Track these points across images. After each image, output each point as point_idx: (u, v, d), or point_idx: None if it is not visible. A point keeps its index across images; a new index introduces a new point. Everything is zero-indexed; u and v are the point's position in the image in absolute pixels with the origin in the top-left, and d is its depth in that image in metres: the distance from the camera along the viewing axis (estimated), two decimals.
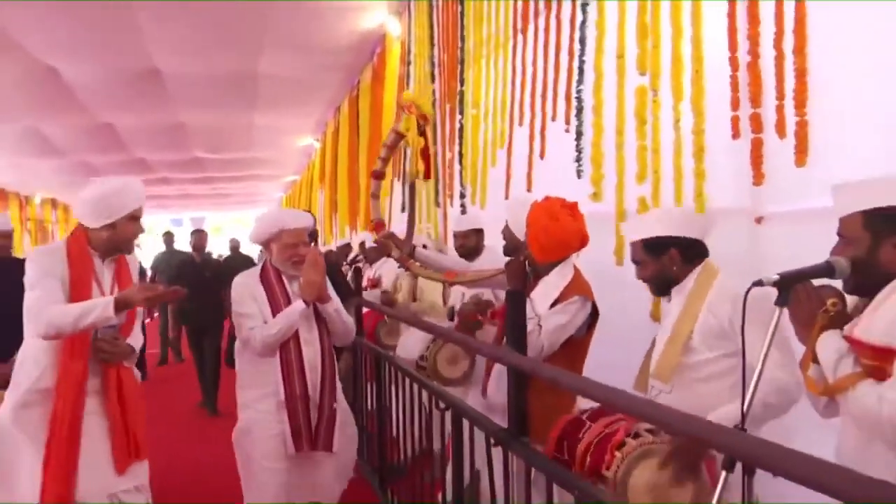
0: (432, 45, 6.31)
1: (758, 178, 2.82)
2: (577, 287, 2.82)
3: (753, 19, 2.84)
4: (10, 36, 7.27)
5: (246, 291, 3.06)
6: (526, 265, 2.88)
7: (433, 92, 6.31)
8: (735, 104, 2.93)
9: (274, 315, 3.00)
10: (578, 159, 3.77)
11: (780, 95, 2.70)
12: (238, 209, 25.26)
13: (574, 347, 2.82)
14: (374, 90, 8.36)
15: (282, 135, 12.67)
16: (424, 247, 3.98)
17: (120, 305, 2.59)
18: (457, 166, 5.54)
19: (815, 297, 1.60)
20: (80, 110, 9.95)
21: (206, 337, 6.74)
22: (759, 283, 1.54)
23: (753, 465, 1.45)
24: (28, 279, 2.66)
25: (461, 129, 5.40)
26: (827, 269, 1.58)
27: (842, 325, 1.61)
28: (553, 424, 2.04)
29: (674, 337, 2.17)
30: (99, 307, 2.56)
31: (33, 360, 2.65)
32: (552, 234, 2.81)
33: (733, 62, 2.93)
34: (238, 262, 11.68)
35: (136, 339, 2.89)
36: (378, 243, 3.71)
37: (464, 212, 5.19)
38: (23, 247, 18.26)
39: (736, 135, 2.93)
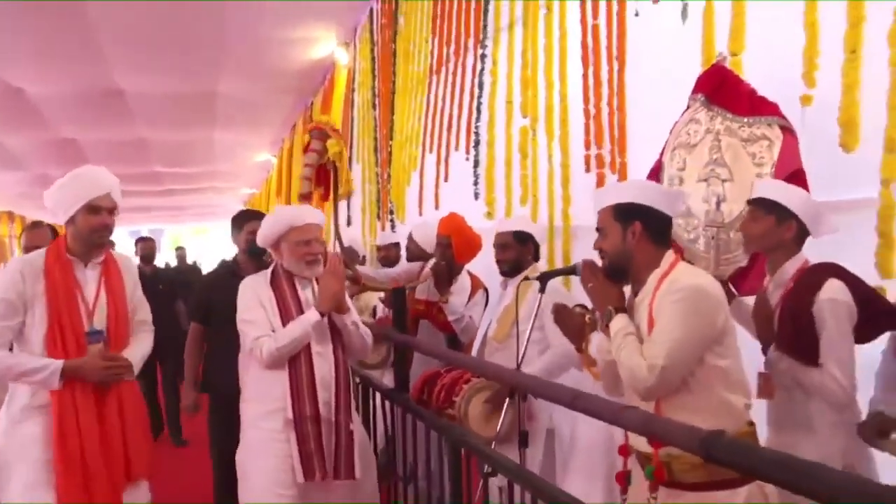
0: (374, 76, 7.20)
1: None
2: (478, 285, 3.69)
3: (597, 82, 3.76)
4: None
5: (254, 296, 2.77)
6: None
7: (374, 118, 7.19)
8: (587, 145, 3.84)
9: (284, 323, 2.72)
10: (476, 183, 4.68)
11: (612, 141, 3.62)
12: (197, 221, 25.80)
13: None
14: (323, 112, 9.20)
15: (240, 150, 13.44)
16: (364, 259, 4.78)
17: (68, 375, 2.49)
18: (389, 186, 6.42)
19: (573, 316, 2.35)
20: (43, 126, 10.61)
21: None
22: (525, 279, 2.40)
23: (524, 392, 2.33)
24: None
25: (391, 153, 6.29)
26: (572, 269, 2.44)
27: (595, 327, 2.36)
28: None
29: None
30: (43, 373, 2.48)
31: None
32: (473, 241, 3.67)
33: (586, 113, 3.85)
34: (188, 270, 12.29)
35: (134, 351, 2.76)
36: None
37: (393, 227, 6.07)
38: None
39: (588, 169, 3.84)
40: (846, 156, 2.27)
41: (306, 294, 2.84)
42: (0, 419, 2.63)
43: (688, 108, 2.75)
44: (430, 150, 5.41)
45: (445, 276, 3.49)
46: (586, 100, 3.84)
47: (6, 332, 2.54)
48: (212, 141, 12.27)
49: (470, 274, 3.63)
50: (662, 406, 1.94)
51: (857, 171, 2.24)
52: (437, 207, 5.22)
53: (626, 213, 2.10)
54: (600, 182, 3.74)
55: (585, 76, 3.83)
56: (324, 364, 2.75)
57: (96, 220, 2.63)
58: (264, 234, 2.88)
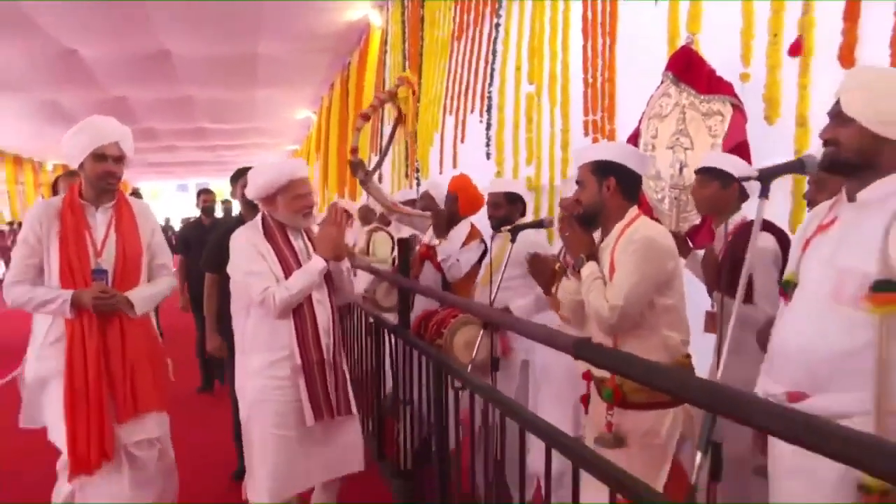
0: (404, 39, 7.61)
1: None
2: (476, 234, 4.16)
3: (595, 54, 4.14)
4: (35, 22, 8.56)
5: (252, 248, 2.81)
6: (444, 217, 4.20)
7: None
8: (586, 111, 4.24)
9: (285, 273, 2.79)
10: (488, 144, 5.12)
11: (603, 109, 4.02)
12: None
13: (471, 272, 4.13)
14: (359, 71, 9.67)
15: (281, 107, 14.02)
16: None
17: (74, 304, 2.74)
18: (416, 145, 6.90)
19: (545, 264, 2.80)
20: (96, 85, 11.32)
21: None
22: (500, 231, 2.86)
23: (497, 325, 2.82)
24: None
25: (417, 114, 6.74)
26: (539, 223, 2.88)
27: (564, 274, 2.79)
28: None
29: None
30: (56, 302, 2.75)
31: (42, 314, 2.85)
32: (476, 197, 4.13)
33: (585, 82, 4.24)
34: (234, 222, 12.94)
35: (147, 289, 2.96)
36: (350, 163, 4.97)
37: (418, 184, 6.56)
38: None
39: (586, 133, 4.25)
40: (770, 127, 2.67)
41: (298, 244, 2.91)
42: (28, 353, 2.92)
43: (661, 83, 3.14)
44: (450, 112, 5.86)
45: (444, 224, 3.98)
46: (585, 70, 4.23)
47: (29, 269, 2.80)
48: (254, 99, 12.88)
49: (473, 226, 4.10)
50: (619, 341, 2.38)
51: (779, 142, 2.63)
52: (454, 167, 5.69)
53: (603, 169, 2.40)
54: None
55: (585, 48, 4.21)
56: (323, 311, 2.85)
57: (101, 167, 2.79)
58: (261, 185, 2.85)
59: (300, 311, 2.79)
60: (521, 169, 4.83)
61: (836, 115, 1.71)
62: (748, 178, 2.01)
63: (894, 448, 1.00)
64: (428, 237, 4.16)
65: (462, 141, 5.61)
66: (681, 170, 3.10)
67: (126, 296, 2.83)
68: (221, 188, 12.45)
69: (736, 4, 2.87)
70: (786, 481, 1.73)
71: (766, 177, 1.82)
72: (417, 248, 4.36)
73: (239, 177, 3.97)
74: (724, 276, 2.61)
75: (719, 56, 2.98)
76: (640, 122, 3.39)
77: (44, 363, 2.83)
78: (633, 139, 3.44)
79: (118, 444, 2.77)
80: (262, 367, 2.79)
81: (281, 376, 2.76)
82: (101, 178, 2.81)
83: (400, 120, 5.20)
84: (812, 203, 2.18)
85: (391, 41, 8.16)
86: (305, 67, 11.07)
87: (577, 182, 2.50)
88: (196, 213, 6.94)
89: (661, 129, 3.20)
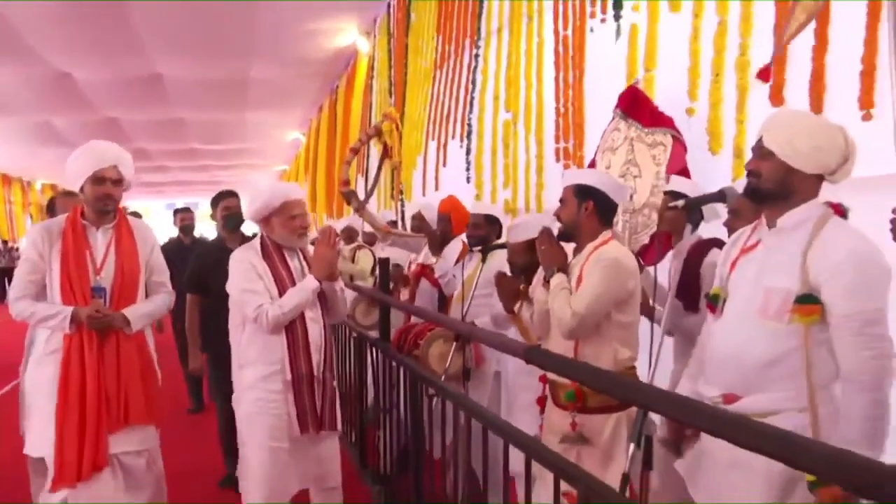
0: (390, 66, 7.93)
1: None
2: (467, 250, 4.41)
3: (566, 85, 4.43)
4: (30, 46, 8.83)
5: (250, 267, 2.94)
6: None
7: (390, 105, 7.93)
8: (557, 139, 4.53)
9: (280, 291, 2.94)
10: (468, 169, 5.41)
11: (574, 137, 4.31)
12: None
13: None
14: (346, 96, 9.99)
15: (271, 129, 14.33)
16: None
17: (74, 320, 2.89)
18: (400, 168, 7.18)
19: (510, 283, 3.08)
20: (89, 107, 11.61)
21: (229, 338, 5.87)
22: (471, 251, 3.14)
23: (469, 338, 3.07)
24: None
25: (401, 138, 7.04)
26: (504, 245, 3.15)
27: (528, 296, 3.04)
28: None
29: None
30: (57, 318, 2.90)
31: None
32: (466, 217, 4.39)
33: (557, 111, 4.53)
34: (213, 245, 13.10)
35: (144, 306, 3.10)
36: (343, 193, 5.28)
37: (402, 206, 6.84)
38: (26, 229, 20.04)
39: (558, 160, 4.54)
40: (714, 157, 2.96)
41: (294, 264, 3.05)
42: (25, 359, 3.07)
43: (612, 118, 3.45)
44: (433, 138, 6.16)
45: (438, 243, 4.26)
46: (557, 99, 4.53)
47: (31, 285, 2.96)
48: (244, 121, 13.19)
49: (464, 243, 4.38)
50: (579, 349, 2.63)
51: (721, 171, 2.92)
52: (436, 189, 5.98)
53: (584, 192, 2.65)
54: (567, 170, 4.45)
55: (556, 79, 4.51)
56: (316, 328, 2.99)
57: (100, 189, 2.92)
58: (257, 208, 2.99)
59: (293, 328, 2.93)
60: (499, 192, 5.11)
61: (759, 149, 1.99)
62: (675, 207, 2.29)
63: (805, 443, 1.24)
64: (422, 257, 4.40)
65: (444, 165, 5.91)
66: (631, 196, 3.38)
67: (123, 313, 2.97)
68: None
69: (686, 45, 3.17)
70: (725, 474, 1.98)
71: (690, 205, 2.09)
72: (412, 267, 4.61)
73: (219, 200, 4.18)
74: (679, 288, 2.88)
75: (671, 91, 3.28)
76: (595, 154, 3.69)
77: (41, 370, 2.96)
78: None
79: (109, 453, 2.91)
80: (256, 381, 2.93)
81: (274, 389, 2.91)
82: (99, 200, 2.95)
83: (386, 154, 5.48)
84: (731, 230, 2.46)
85: (378, 68, 8.48)
86: (295, 91, 11.40)
87: (560, 200, 2.77)
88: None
89: (614, 160, 3.48)
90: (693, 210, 2.12)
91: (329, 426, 3.02)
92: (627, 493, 1.89)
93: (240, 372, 3.02)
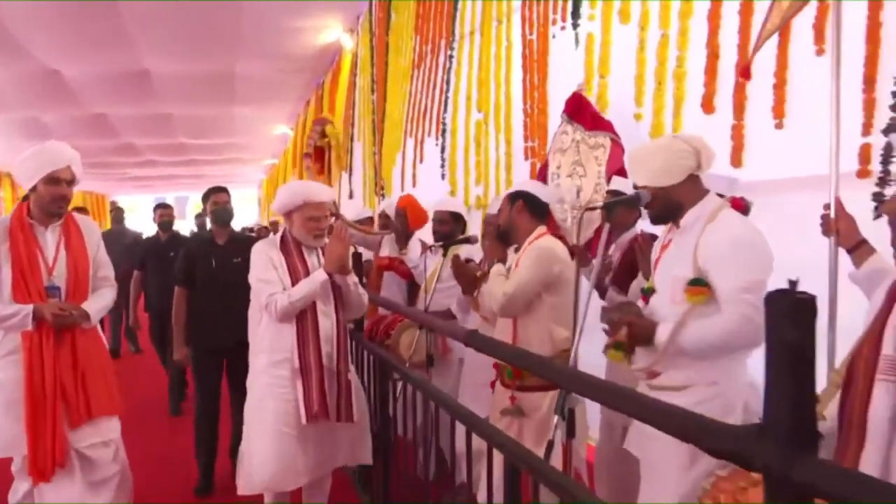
0: (372, 64, 8.18)
1: None
2: (426, 247, 4.70)
3: (532, 86, 4.71)
4: (19, 43, 9.03)
5: (267, 258, 3.10)
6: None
7: (372, 101, 8.19)
8: (525, 138, 4.81)
9: (293, 283, 3.06)
10: (442, 165, 5.68)
11: (539, 136, 4.59)
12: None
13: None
14: (331, 91, 10.23)
15: (258, 124, 14.53)
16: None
17: (36, 316, 2.88)
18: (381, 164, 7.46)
19: (465, 268, 3.39)
20: (77, 103, 11.79)
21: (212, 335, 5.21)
22: (432, 247, 3.43)
23: (428, 326, 3.35)
24: None
25: (381, 135, 7.31)
26: (467, 239, 3.43)
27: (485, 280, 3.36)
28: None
29: None
30: (17, 317, 2.88)
31: None
32: (421, 213, 4.69)
33: (524, 112, 4.81)
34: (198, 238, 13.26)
35: (95, 304, 3.10)
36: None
37: (381, 200, 7.11)
38: None
39: (526, 158, 4.82)
40: None
41: (312, 260, 3.18)
42: None
43: (561, 123, 3.73)
44: (410, 135, 6.43)
45: (403, 237, 4.54)
46: (524, 101, 4.81)
47: None
48: (232, 116, 13.39)
49: (421, 241, 4.66)
50: (518, 329, 2.94)
51: None
52: (414, 185, 6.25)
53: (514, 196, 3.06)
54: (533, 169, 4.73)
55: (524, 81, 4.79)
56: (327, 321, 3.09)
57: (56, 190, 2.92)
58: (282, 202, 3.15)
59: (303, 319, 3.05)
60: (472, 188, 5.39)
61: (636, 188, 2.31)
62: (594, 208, 2.58)
63: (681, 413, 1.50)
64: (388, 251, 4.69)
65: (421, 161, 6.19)
66: (578, 194, 3.68)
67: (83, 308, 3.01)
68: (199, 201, 12.96)
69: (634, 54, 3.45)
70: (651, 443, 2.28)
71: (609, 206, 2.39)
72: (375, 262, 4.88)
73: (209, 196, 4.35)
74: (618, 276, 3.18)
75: (622, 97, 3.56)
76: (547, 155, 3.99)
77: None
78: (544, 169, 4.06)
79: (70, 449, 2.94)
80: (266, 367, 3.07)
81: (282, 376, 3.04)
82: (54, 201, 2.94)
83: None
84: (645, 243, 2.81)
85: (360, 65, 8.73)
86: (282, 86, 11.60)
87: (498, 211, 3.17)
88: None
89: (563, 161, 3.78)
90: (611, 210, 2.40)
91: (345, 417, 3.11)
92: (560, 464, 2.19)
93: (254, 359, 3.17)
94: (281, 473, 3.01)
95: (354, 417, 3.14)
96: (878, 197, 2.23)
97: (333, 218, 3.47)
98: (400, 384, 3.28)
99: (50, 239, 3.00)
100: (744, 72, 3.04)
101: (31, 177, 2.91)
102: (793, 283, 1.13)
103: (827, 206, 2.10)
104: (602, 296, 3.22)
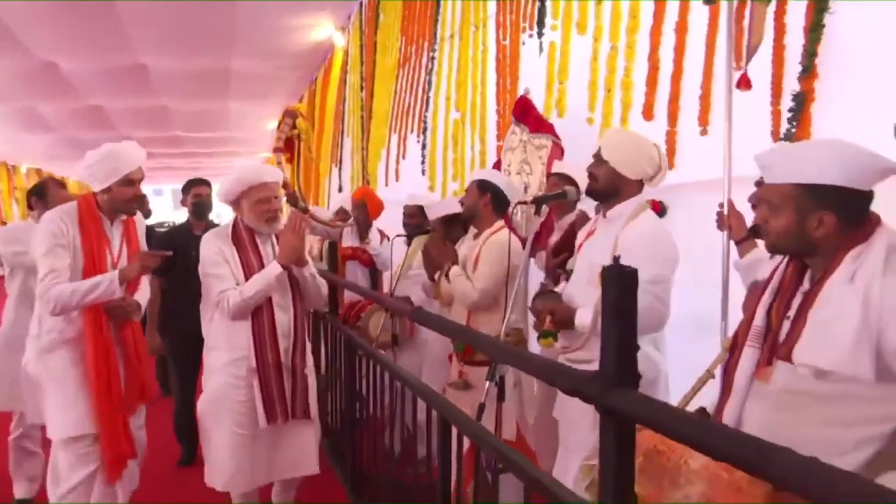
0: (361, 62, 8.50)
1: None
2: (384, 236, 5.04)
3: (504, 89, 5.04)
4: (17, 36, 9.34)
5: (218, 251, 2.98)
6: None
7: (361, 98, 8.52)
8: (498, 137, 5.14)
9: (247, 277, 2.95)
10: (423, 162, 6.01)
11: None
12: (216, 181, 27.39)
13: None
14: (323, 87, 10.56)
15: (254, 118, 14.86)
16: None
17: (122, 280, 2.96)
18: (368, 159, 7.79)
19: (446, 249, 3.73)
20: (74, 95, 12.11)
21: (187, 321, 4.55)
22: (398, 236, 3.76)
23: (401, 313, 3.68)
24: (40, 238, 2.96)
25: (368, 131, 7.64)
26: (428, 231, 3.77)
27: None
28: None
29: None
30: (104, 284, 2.91)
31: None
32: (378, 204, 5.03)
33: (498, 112, 5.14)
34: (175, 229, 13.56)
35: (142, 295, 3.26)
36: (287, 195, 5.87)
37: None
38: (12, 213, 20.51)
39: (499, 156, 5.14)
40: None
41: (266, 249, 3.08)
42: (28, 349, 3.12)
43: (512, 123, 4.08)
44: (394, 132, 6.76)
45: (364, 225, 4.88)
46: (498, 102, 5.13)
47: (66, 270, 2.93)
48: (227, 110, 13.72)
49: (379, 231, 4.98)
50: (471, 316, 3.27)
51: None
52: (396, 180, 6.59)
53: (483, 186, 3.36)
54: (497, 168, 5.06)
55: (498, 84, 5.12)
56: (283, 315, 3.01)
57: (132, 191, 3.06)
58: (224, 190, 3.05)
59: (259, 314, 2.96)
60: (449, 184, 5.72)
61: (598, 158, 2.61)
62: (525, 203, 2.91)
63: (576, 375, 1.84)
64: (350, 241, 5.03)
65: (403, 157, 6.52)
66: (525, 189, 4.01)
67: (136, 300, 3.16)
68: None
69: (588, 63, 3.78)
70: (565, 406, 2.61)
71: (538, 201, 2.72)
72: (339, 252, 5.21)
73: (190, 188, 4.56)
74: (558, 258, 3.49)
75: (578, 102, 3.89)
76: (498, 153, 4.33)
77: (53, 358, 3.01)
78: (497, 167, 4.40)
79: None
80: (222, 365, 3.00)
81: (238, 375, 2.97)
82: (129, 202, 3.08)
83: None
84: (578, 224, 3.12)
85: (351, 62, 9.06)
86: (275, 82, 11.94)
87: (465, 190, 3.46)
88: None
89: (513, 159, 4.13)
90: (540, 204, 2.73)
91: (301, 414, 3.06)
92: (493, 427, 2.52)
93: (208, 355, 3.10)
94: (239, 475, 3.01)
95: (311, 415, 3.14)
96: (750, 199, 2.55)
97: (285, 200, 3.36)
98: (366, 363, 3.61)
99: (115, 234, 3.10)
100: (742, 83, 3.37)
101: (105, 179, 3.00)
102: (616, 259, 1.45)
103: (721, 206, 2.44)
104: (555, 282, 3.55)
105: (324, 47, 10.30)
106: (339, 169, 9.40)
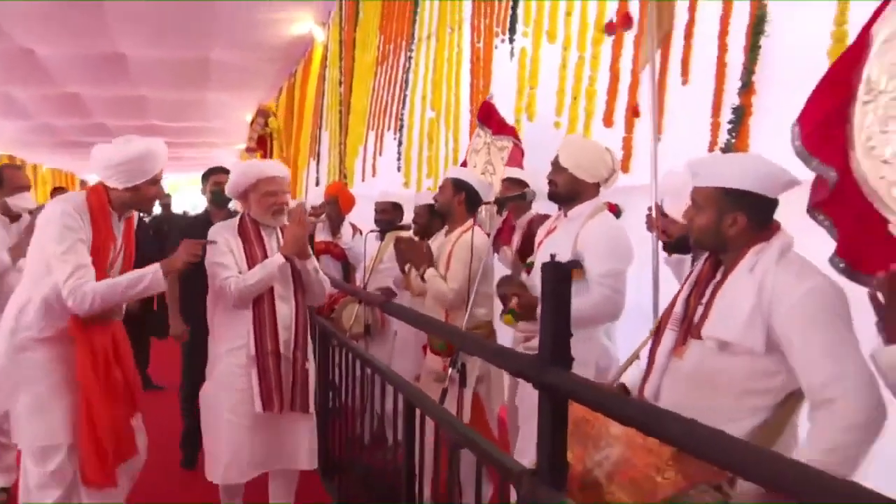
0: (340, 57, 8.68)
1: None
2: (356, 230, 5.24)
3: (478, 90, 5.26)
4: None
5: (223, 241, 3.06)
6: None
7: (340, 93, 8.69)
8: (472, 136, 5.35)
9: (250, 268, 3.04)
10: (399, 158, 6.22)
11: None
12: (194, 171, 27.37)
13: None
14: (303, 81, 10.72)
15: (232, 110, 14.93)
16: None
17: (166, 273, 2.84)
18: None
19: (415, 245, 3.94)
20: (51, 82, 12.14)
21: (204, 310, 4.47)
22: (371, 231, 3.97)
23: (372, 303, 3.88)
24: (53, 232, 2.75)
25: (346, 126, 7.83)
26: (406, 227, 3.99)
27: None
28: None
29: None
30: (147, 277, 2.81)
31: (39, 311, 2.77)
32: (350, 199, 5.23)
33: (472, 112, 5.35)
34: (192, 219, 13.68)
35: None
36: None
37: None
38: None
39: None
40: None
41: (271, 242, 3.16)
42: (0, 343, 2.82)
43: (477, 126, 4.31)
44: (372, 128, 6.95)
45: (336, 220, 5.09)
46: (471, 102, 5.35)
47: (91, 267, 2.77)
48: (206, 100, 13.79)
49: (351, 224, 5.18)
50: (449, 314, 3.48)
51: None
52: (373, 175, 6.79)
53: (458, 185, 3.52)
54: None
55: (472, 85, 5.33)
56: (285, 307, 3.09)
57: (156, 189, 2.95)
58: (233, 183, 3.15)
59: (260, 304, 3.04)
60: (424, 181, 5.93)
61: (556, 165, 2.85)
62: (489, 203, 3.14)
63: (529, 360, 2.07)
64: (323, 236, 5.23)
65: (380, 154, 6.72)
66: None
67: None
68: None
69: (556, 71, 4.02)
70: (524, 391, 2.83)
71: (500, 201, 2.95)
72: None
73: (209, 176, 4.42)
74: (520, 252, 3.72)
75: (547, 107, 4.12)
76: (465, 155, 4.56)
77: (29, 356, 2.79)
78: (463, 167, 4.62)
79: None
80: (223, 354, 3.09)
81: (238, 364, 3.04)
82: (151, 200, 3.02)
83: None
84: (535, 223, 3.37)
85: (330, 58, 9.23)
86: (255, 74, 12.03)
87: (440, 187, 3.63)
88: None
89: (478, 160, 4.36)
90: (502, 205, 2.97)
91: (300, 407, 3.12)
92: (455, 410, 2.74)
93: (213, 345, 3.19)
94: (237, 466, 3.05)
95: (310, 409, 3.17)
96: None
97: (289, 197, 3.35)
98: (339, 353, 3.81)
99: (119, 231, 2.98)
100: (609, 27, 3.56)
101: (134, 178, 2.85)
102: (552, 256, 1.68)
103: (650, 209, 2.69)
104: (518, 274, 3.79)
105: (304, 41, 10.45)
106: (318, 163, 9.57)
